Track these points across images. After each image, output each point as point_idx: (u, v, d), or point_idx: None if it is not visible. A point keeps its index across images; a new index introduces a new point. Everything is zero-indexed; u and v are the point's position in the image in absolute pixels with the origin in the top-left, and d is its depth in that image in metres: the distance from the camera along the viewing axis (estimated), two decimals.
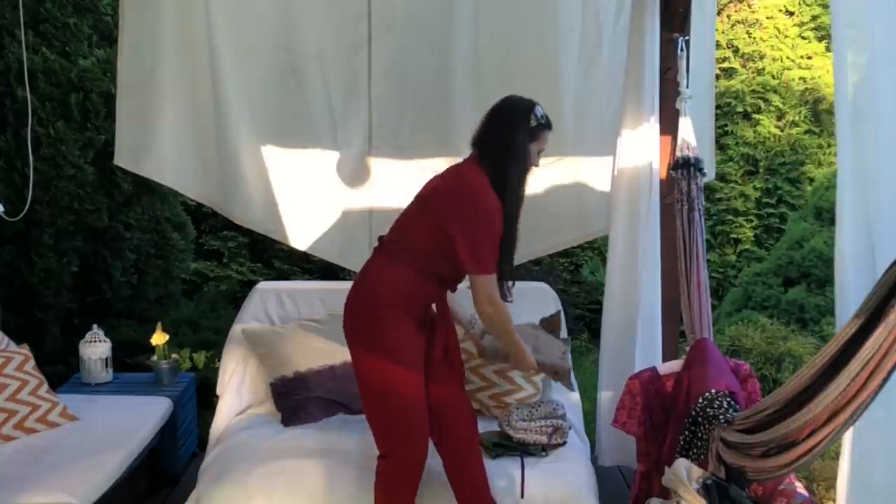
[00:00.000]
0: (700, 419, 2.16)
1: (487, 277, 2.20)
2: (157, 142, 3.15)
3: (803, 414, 1.61)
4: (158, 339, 3.38)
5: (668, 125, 2.85)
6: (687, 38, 2.78)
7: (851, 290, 1.60)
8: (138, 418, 2.90)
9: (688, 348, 2.53)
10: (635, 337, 2.94)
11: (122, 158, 3.20)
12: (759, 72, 5.99)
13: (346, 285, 3.52)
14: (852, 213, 1.62)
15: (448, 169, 2.35)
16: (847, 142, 1.63)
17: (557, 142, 3.30)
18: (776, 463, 1.74)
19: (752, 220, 5.87)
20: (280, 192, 3.32)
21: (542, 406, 2.71)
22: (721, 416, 2.08)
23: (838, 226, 1.65)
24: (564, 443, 2.66)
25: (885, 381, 1.46)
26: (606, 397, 3.04)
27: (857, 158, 1.61)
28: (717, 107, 3.39)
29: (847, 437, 1.70)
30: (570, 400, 2.99)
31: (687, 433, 2.22)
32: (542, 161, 3.32)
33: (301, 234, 3.39)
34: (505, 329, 2.29)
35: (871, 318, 1.46)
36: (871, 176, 1.59)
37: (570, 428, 2.72)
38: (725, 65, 6.02)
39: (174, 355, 3.51)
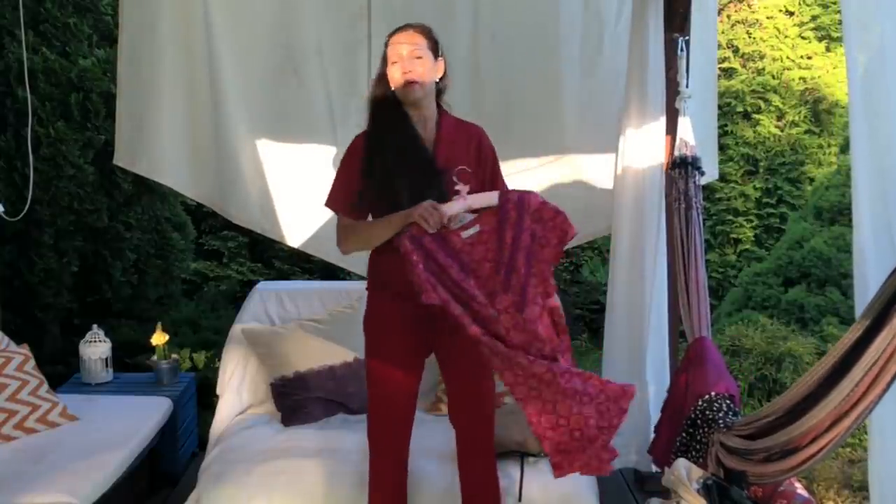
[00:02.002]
0: (699, 422, 2.16)
1: (336, 216, 2.23)
2: (156, 141, 3.16)
3: (806, 420, 1.60)
4: (158, 339, 3.37)
5: (669, 125, 2.85)
6: (687, 38, 2.78)
7: (873, 289, 1.58)
8: (138, 418, 2.90)
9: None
10: (643, 338, 2.94)
11: (121, 158, 3.21)
12: (759, 72, 5.99)
13: (346, 285, 3.55)
14: (871, 212, 1.60)
15: None
16: (862, 141, 1.62)
17: (558, 140, 3.31)
18: (778, 468, 1.74)
19: (752, 220, 5.87)
20: (278, 191, 3.32)
21: None
22: (720, 420, 2.07)
23: (856, 225, 1.63)
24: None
25: (888, 386, 1.45)
26: None
27: (873, 157, 1.60)
28: (717, 107, 3.39)
29: (873, 438, 1.67)
30: None
31: (685, 435, 2.21)
32: (542, 160, 3.35)
33: (298, 233, 3.39)
34: (366, 242, 2.21)
35: (874, 323, 1.45)
36: (889, 174, 1.58)
37: None
38: (725, 65, 6.01)
39: (174, 355, 3.50)
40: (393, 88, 2.15)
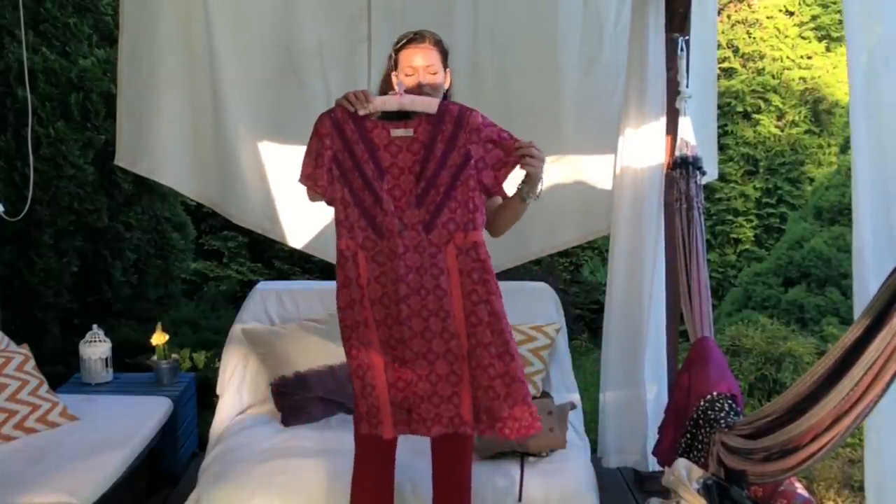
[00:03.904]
0: (701, 422, 2.16)
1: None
2: (157, 142, 3.16)
3: (806, 419, 1.60)
4: (158, 339, 3.38)
5: (669, 125, 2.85)
6: (687, 38, 2.78)
7: (872, 289, 1.57)
8: (138, 418, 2.90)
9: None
10: (642, 338, 2.94)
11: (122, 158, 3.21)
12: (759, 72, 5.99)
13: None
14: (871, 211, 1.59)
15: None
16: (863, 140, 1.61)
17: (558, 140, 3.31)
18: (778, 467, 1.74)
19: (752, 220, 5.87)
20: (278, 191, 3.32)
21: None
22: (722, 420, 2.07)
23: (856, 224, 1.62)
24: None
25: (888, 385, 1.45)
26: (610, 398, 3.04)
27: (874, 156, 1.59)
28: (718, 107, 3.39)
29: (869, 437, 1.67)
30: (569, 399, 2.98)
31: (688, 435, 2.21)
32: None
33: (298, 233, 3.39)
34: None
35: (874, 323, 1.45)
36: (890, 173, 1.57)
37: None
38: (725, 65, 6.01)
39: (174, 355, 3.50)
40: None
